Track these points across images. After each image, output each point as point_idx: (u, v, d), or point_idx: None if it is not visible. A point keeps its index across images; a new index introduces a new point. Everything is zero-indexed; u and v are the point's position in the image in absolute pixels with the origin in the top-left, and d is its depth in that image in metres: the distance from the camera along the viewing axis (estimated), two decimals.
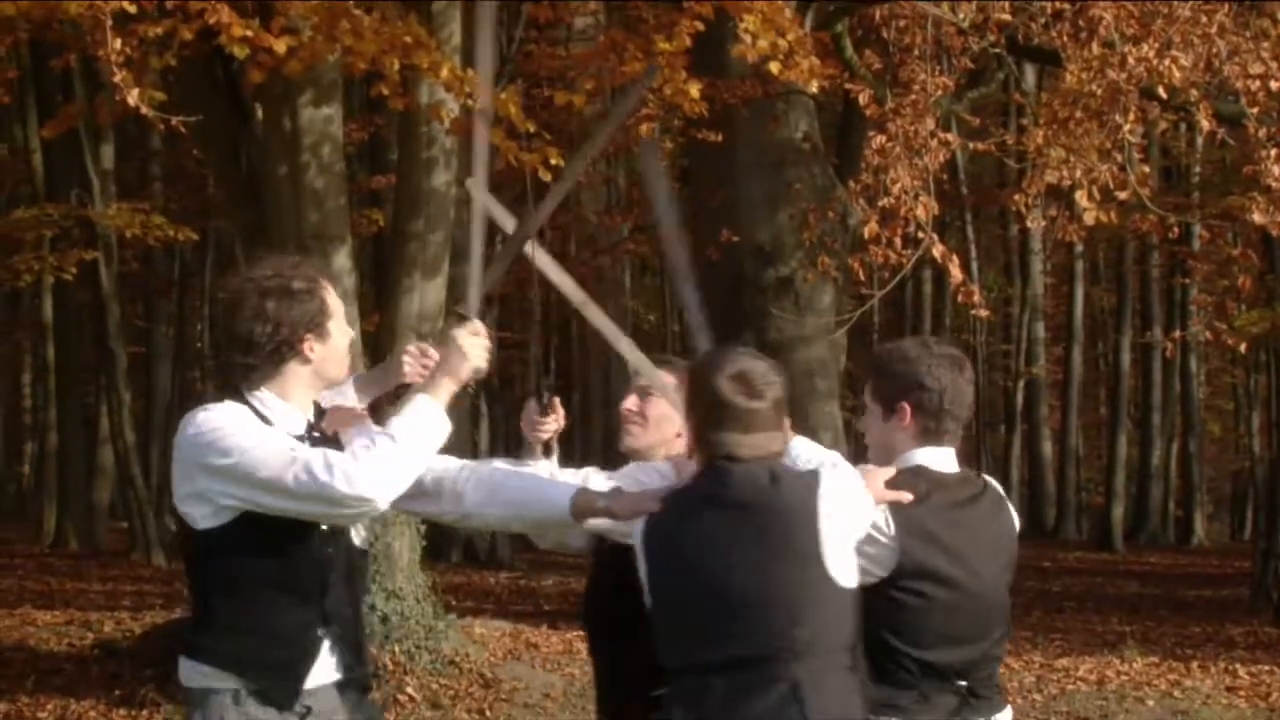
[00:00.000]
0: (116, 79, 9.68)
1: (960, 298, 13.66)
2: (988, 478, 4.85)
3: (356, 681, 4.62)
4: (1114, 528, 32.74)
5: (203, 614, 4.54)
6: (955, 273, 13.34)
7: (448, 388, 4.45)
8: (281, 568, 4.45)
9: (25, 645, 14.85)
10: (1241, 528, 37.73)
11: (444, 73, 10.64)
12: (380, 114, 21.38)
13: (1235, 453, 37.15)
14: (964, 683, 4.57)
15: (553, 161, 11.43)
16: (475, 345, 4.49)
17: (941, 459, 4.66)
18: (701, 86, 11.65)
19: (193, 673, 4.55)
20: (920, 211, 12.85)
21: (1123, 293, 32.00)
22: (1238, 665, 14.86)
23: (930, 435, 4.65)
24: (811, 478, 4.29)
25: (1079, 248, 26.11)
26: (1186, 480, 35.06)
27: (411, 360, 4.91)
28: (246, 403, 4.48)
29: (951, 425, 4.67)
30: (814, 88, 12.26)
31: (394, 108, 12.09)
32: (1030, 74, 22.23)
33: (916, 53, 13.52)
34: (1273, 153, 12.84)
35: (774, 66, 11.66)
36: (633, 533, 4.40)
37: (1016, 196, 14.07)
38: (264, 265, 4.53)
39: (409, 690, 12.06)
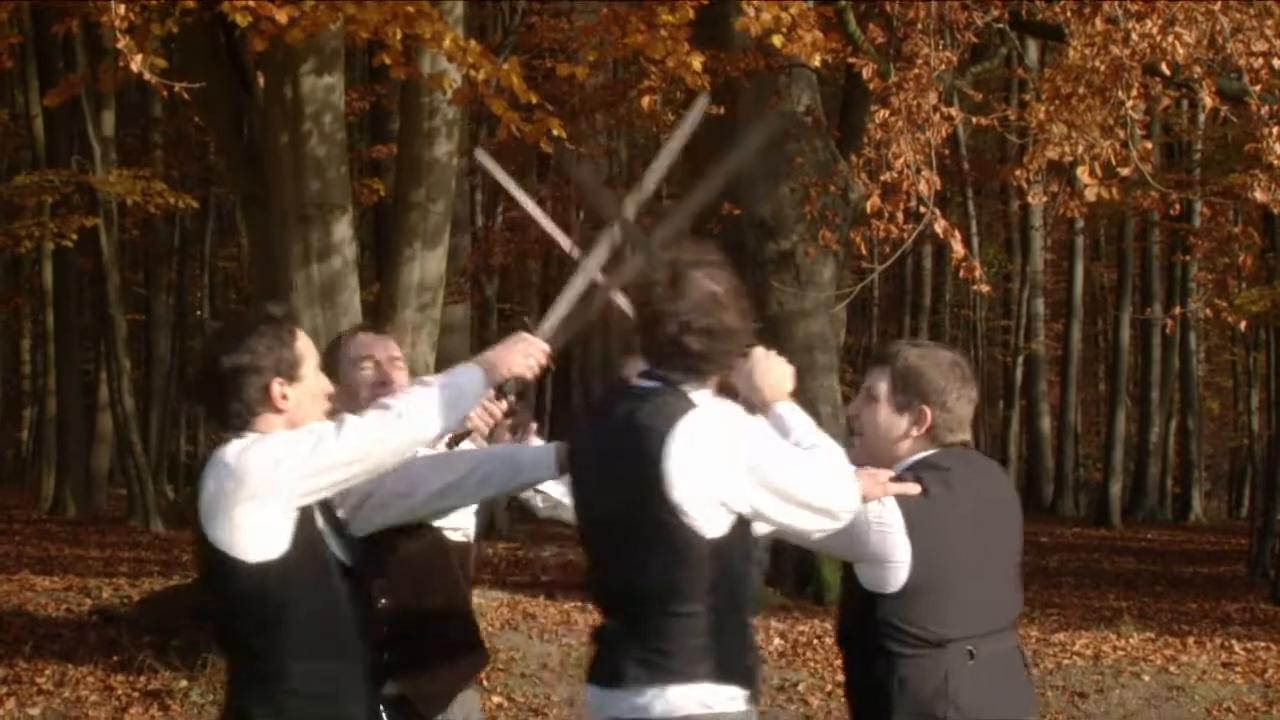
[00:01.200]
0: (119, 45, 9.67)
1: (961, 273, 13.66)
2: (987, 459, 4.93)
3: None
4: (1112, 504, 32.78)
5: (707, 628, 4.43)
6: (956, 248, 13.34)
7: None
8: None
9: (24, 611, 14.89)
10: (1239, 505, 37.79)
11: (446, 43, 10.63)
12: (382, 83, 21.34)
13: (1234, 430, 37.17)
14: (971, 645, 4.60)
15: (555, 133, 11.43)
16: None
17: (947, 457, 4.70)
18: (704, 59, 11.64)
19: (676, 702, 4.40)
20: (922, 186, 12.84)
21: (1123, 269, 31.99)
22: (1234, 641, 14.89)
23: (942, 436, 4.69)
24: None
25: (1080, 224, 26.12)
26: (1184, 457, 35.11)
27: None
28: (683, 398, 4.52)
29: (959, 429, 4.72)
30: (817, 61, 12.26)
31: (396, 77, 12.08)
32: (1033, 49, 22.18)
33: (920, 27, 13.49)
34: (1275, 130, 12.83)
35: (777, 40, 11.65)
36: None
37: (1018, 172, 14.07)
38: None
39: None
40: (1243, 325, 18.74)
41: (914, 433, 4.64)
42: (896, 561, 4.42)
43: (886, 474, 4.50)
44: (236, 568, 4.26)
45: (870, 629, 4.51)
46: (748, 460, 4.14)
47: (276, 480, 4.23)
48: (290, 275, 12.20)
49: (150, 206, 22.11)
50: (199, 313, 33.75)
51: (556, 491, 5.36)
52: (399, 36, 10.72)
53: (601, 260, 4.82)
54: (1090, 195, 12.77)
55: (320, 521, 4.42)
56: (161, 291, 31.56)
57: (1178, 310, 22.16)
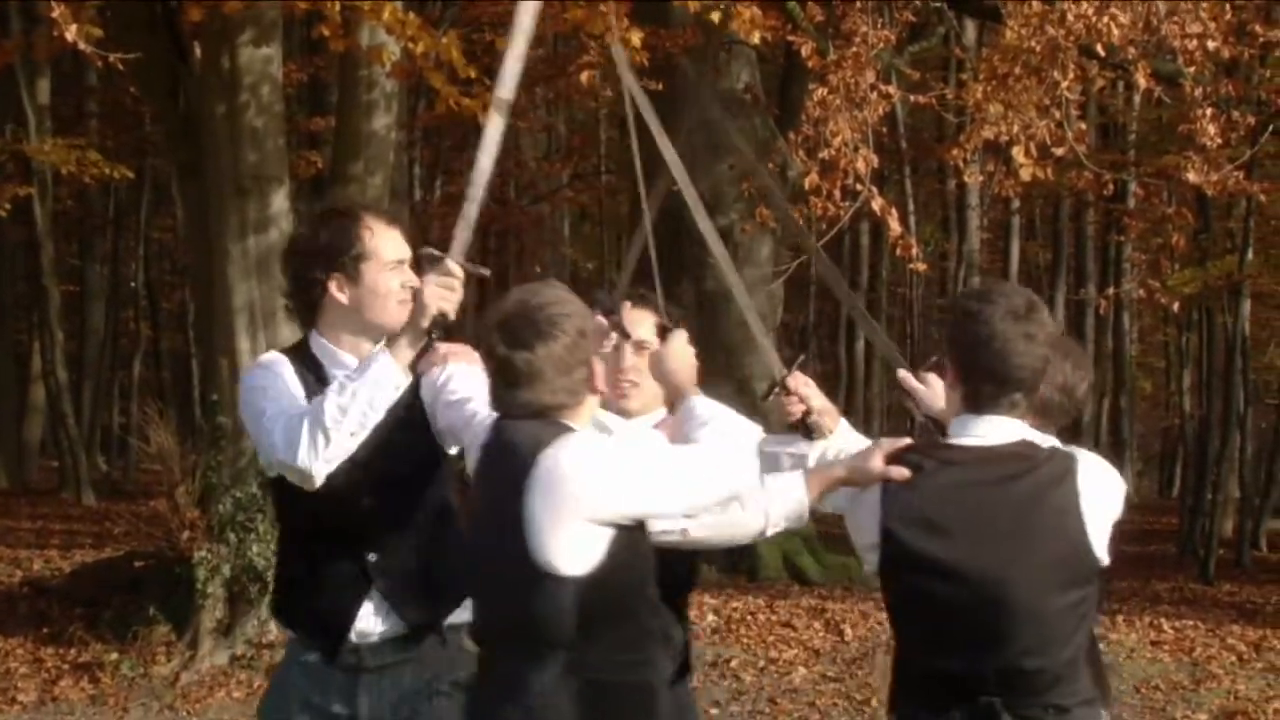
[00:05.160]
0: (54, 14, 9.60)
1: (898, 251, 13.73)
2: (1064, 451, 4.11)
3: (419, 634, 4.46)
4: None
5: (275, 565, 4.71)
6: (893, 226, 13.40)
7: (407, 343, 4.27)
8: (318, 518, 4.38)
9: None
10: (1170, 484, 38.06)
11: (385, 15, 10.60)
12: (320, 55, 21.23)
13: (1165, 410, 37.42)
14: (993, 699, 3.91)
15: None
16: (439, 292, 4.26)
17: (984, 429, 4.01)
18: (643, 35, 11.63)
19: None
20: (860, 164, 12.89)
21: (1058, 249, 32.13)
22: (1163, 620, 15.01)
23: (973, 400, 4.02)
24: (533, 448, 3.85)
25: (1015, 203, 26.19)
26: (1117, 436, 35.32)
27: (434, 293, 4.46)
28: (305, 346, 4.47)
29: (994, 389, 3.98)
30: (756, 39, 12.28)
31: (334, 49, 12.03)
32: (971, 29, 22.23)
33: (858, 5, 13.52)
34: (1208, 112, 12.94)
35: (716, 17, 11.67)
36: None
37: (955, 151, 14.13)
38: (321, 202, 4.49)
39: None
40: (1175, 306, 18.89)
41: (950, 387, 4.14)
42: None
43: (895, 443, 4.13)
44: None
45: None
46: (240, 402, 4.47)
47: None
48: (226, 247, 12.15)
49: (85, 176, 21.90)
50: (133, 284, 33.49)
51: None
52: (338, 8, 10.69)
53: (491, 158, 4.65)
54: (1025, 175, 12.85)
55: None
56: (96, 262, 31.31)
57: (1112, 290, 22.36)
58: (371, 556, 4.39)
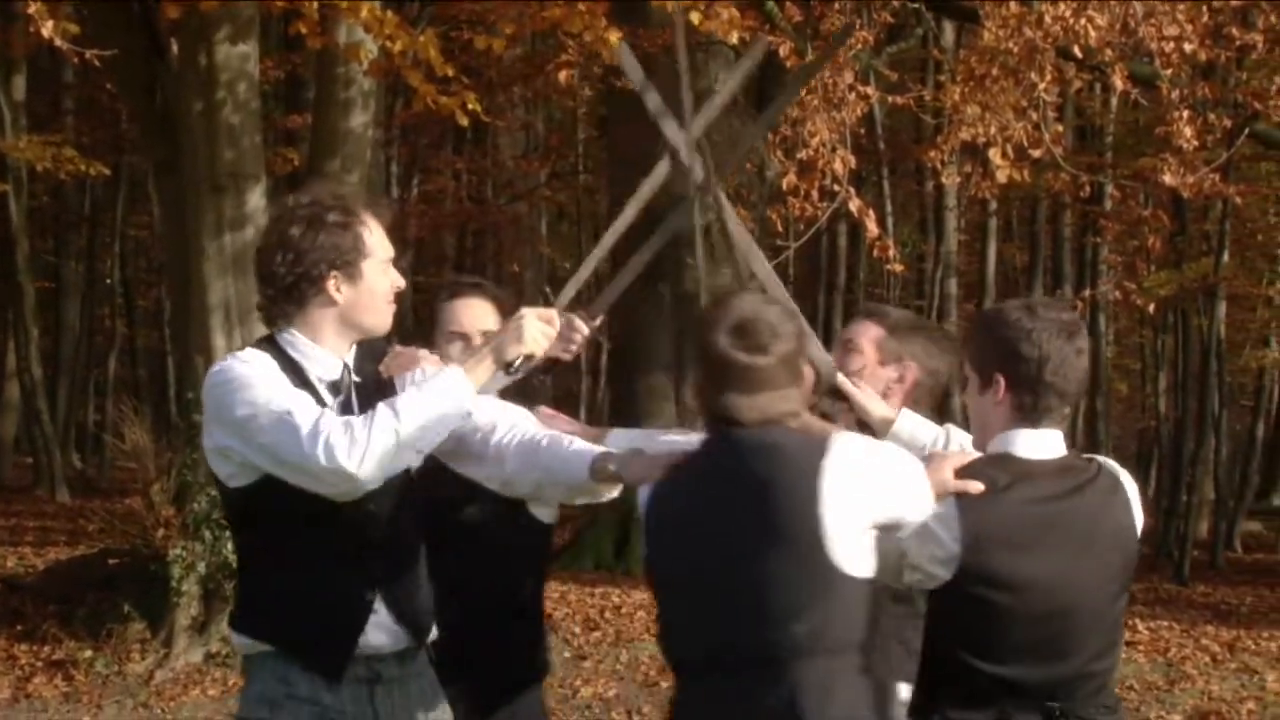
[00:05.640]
0: (31, 10, 9.58)
1: (875, 252, 13.73)
2: (1104, 462, 4.13)
3: (418, 650, 4.34)
4: None
5: (243, 579, 4.35)
6: (871, 227, 13.40)
7: (486, 367, 4.14)
8: (316, 529, 4.11)
9: None
10: (1145, 486, 38.18)
11: (363, 13, 10.59)
12: (298, 53, 21.19)
13: (1141, 412, 37.51)
14: (1056, 704, 3.93)
15: (470, 106, 11.40)
16: (536, 329, 4.17)
17: (1040, 442, 4.01)
18: (621, 35, 11.63)
19: (239, 642, 4.28)
20: (837, 165, 12.89)
21: (1035, 251, 32.16)
22: (1137, 620, 15.04)
23: (1029, 413, 4.00)
24: (818, 447, 3.75)
25: (993, 205, 26.21)
26: (1093, 438, 35.40)
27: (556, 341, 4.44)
28: (277, 345, 4.21)
29: (1055, 403, 4.00)
30: (734, 38, 12.27)
31: (312, 47, 12.02)
32: (949, 30, 22.26)
33: (837, 6, 13.53)
34: (1185, 114, 12.96)
35: (694, 16, 11.66)
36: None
37: (932, 152, 14.15)
38: (305, 193, 4.25)
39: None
40: (1151, 308, 18.91)
41: (995, 402, 4.05)
42: None
43: (962, 457, 4.04)
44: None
45: None
46: (214, 406, 4.14)
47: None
48: (202, 244, 12.13)
49: (61, 173, 21.85)
50: (109, 281, 33.42)
51: None
52: (315, 6, 10.68)
53: (632, 216, 4.60)
54: (1002, 177, 12.86)
55: None
56: (71, 259, 31.23)
57: (1088, 292, 22.38)
58: (378, 568, 4.23)
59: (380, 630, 4.20)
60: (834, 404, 4.62)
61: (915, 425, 4.59)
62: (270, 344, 4.24)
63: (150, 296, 34.75)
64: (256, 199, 12.27)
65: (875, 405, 4.62)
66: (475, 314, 4.89)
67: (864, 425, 4.50)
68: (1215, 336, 23.16)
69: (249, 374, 4.09)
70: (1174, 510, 22.78)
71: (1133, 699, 12.01)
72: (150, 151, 13.68)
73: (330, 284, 4.17)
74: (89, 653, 11.77)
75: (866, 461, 3.77)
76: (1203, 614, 16.47)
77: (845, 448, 3.75)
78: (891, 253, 13.64)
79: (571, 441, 4.34)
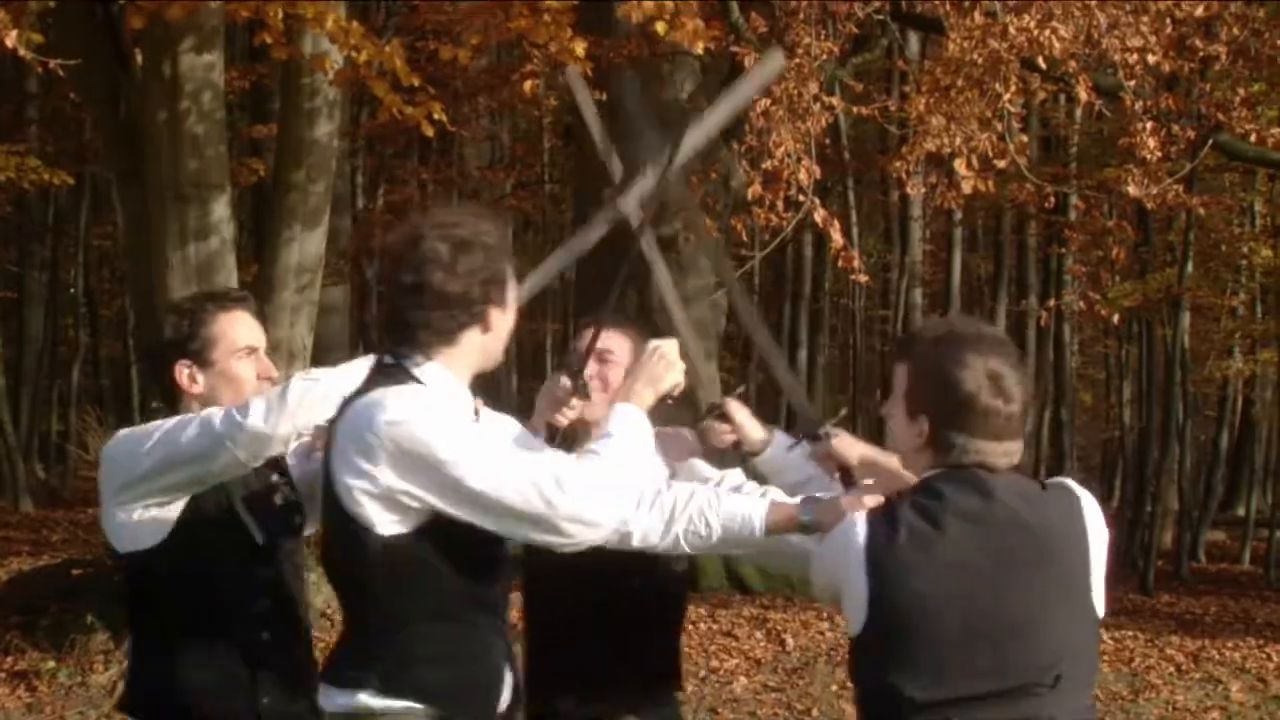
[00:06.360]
0: None
1: (840, 262, 13.78)
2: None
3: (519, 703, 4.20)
4: None
5: (378, 634, 3.92)
6: (836, 237, 13.44)
7: (649, 397, 4.15)
8: (473, 579, 3.95)
9: None
10: (1110, 496, 38.28)
11: (328, 23, 10.57)
12: (263, 63, 21.13)
13: (1106, 422, 37.64)
14: None
15: (436, 116, 11.39)
16: (677, 361, 4.25)
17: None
18: (587, 45, 11.62)
19: (352, 704, 3.92)
20: (802, 175, 12.92)
21: (1000, 261, 32.25)
22: (1102, 630, 15.05)
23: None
24: (1070, 494, 3.84)
25: (958, 215, 26.28)
26: (1057, 448, 35.47)
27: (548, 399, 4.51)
28: (412, 377, 3.91)
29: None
30: (699, 49, 12.27)
31: (277, 57, 11.99)
32: (914, 41, 22.34)
33: (802, 17, 13.56)
34: (1148, 126, 13.03)
35: (660, 27, 11.66)
36: (818, 542, 3.96)
37: (897, 163, 14.20)
38: (446, 213, 4.03)
39: (304, 647, 12.02)
40: (1116, 318, 18.98)
41: (916, 444, 3.89)
42: (857, 599, 3.74)
43: (860, 499, 3.97)
44: (119, 554, 4.31)
45: (854, 684, 3.91)
46: (414, 453, 3.76)
47: (135, 473, 4.21)
48: (167, 254, 12.09)
49: (24, 182, 21.75)
50: (72, 291, 33.28)
51: None
52: (280, 16, 10.64)
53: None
54: (967, 187, 12.91)
55: (240, 504, 4.34)
56: (34, 269, 31.08)
57: (1052, 302, 22.49)
58: (504, 622, 4.13)
59: (505, 688, 4.12)
60: (718, 425, 4.63)
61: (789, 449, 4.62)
62: (401, 375, 3.98)
63: (114, 306, 34.59)
64: (221, 209, 12.23)
65: (755, 428, 4.65)
66: (254, 327, 4.64)
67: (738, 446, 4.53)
68: (1179, 347, 23.24)
69: (442, 412, 3.88)
70: (1138, 520, 22.87)
71: (1098, 709, 12.02)
72: (114, 161, 13.62)
73: (492, 312, 4.02)
74: (52, 663, 11.72)
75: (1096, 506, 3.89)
76: (1167, 624, 16.53)
77: (1086, 493, 3.87)
78: (856, 263, 13.69)
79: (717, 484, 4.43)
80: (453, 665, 3.93)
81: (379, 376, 3.94)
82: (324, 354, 14.61)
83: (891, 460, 4.18)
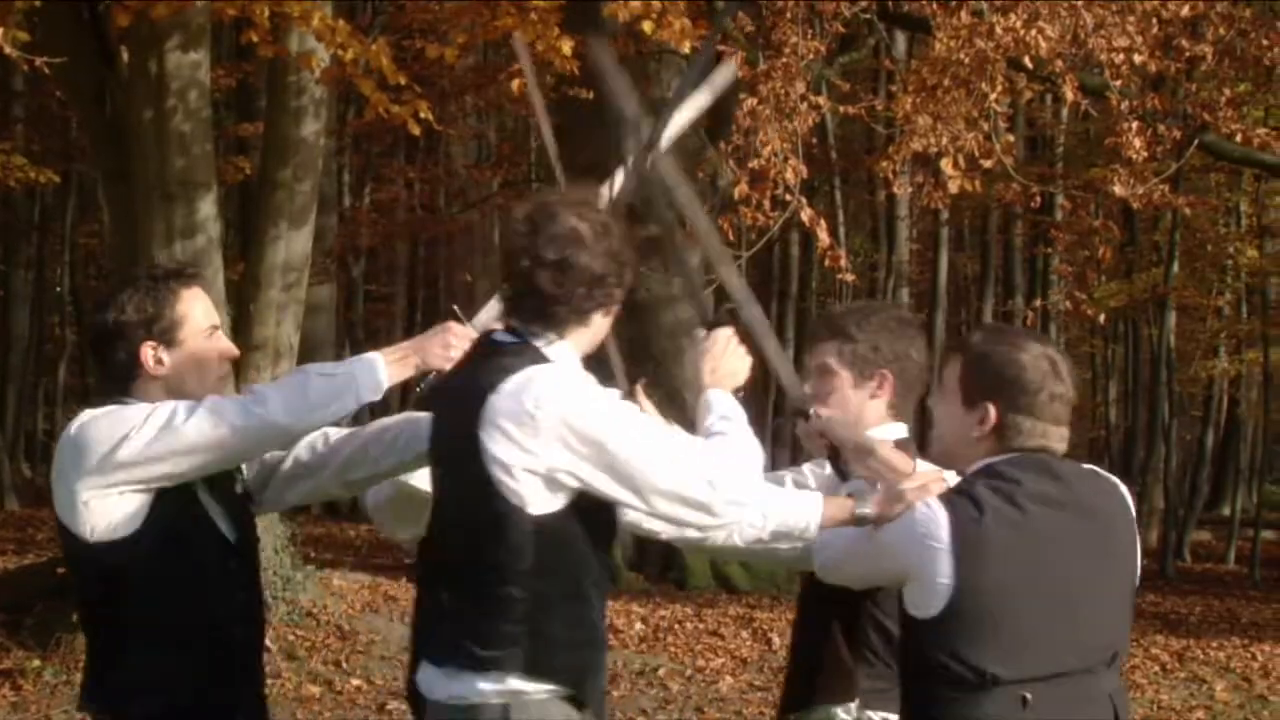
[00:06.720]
0: None
1: (827, 261, 13.78)
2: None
3: None
4: None
5: (520, 614, 3.83)
6: (823, 236, 13.45)
7: (729, 384, 4.18)
8: (600, 559, 3.96)
9: None
10: None
11: (314, 21, 10.57)
12: (249, 61, 21.12)
13: (1091, 421, 37.68)
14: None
15: (423, 114, 11.39)
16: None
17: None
18: (574, 44, 11.62)
19: (490, 688, 3.85)
20: (789, 174, 12.93)
21: (986, 260, 32.29)
22: None
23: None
24: (1110, 480, 4.06)
25: (944, 215, 26.29)
26: None
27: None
28: (543, 356, 3.87)
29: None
30: (686, 48, 12.27)
31: (263, 55, 11.98)
32: (901, 41, 22.35)
33: (789, 16, 13.56)
34: (1134, 126, 13.05)
35: (647, 26, 11.67)
36: (874, 532, 3.98)
37: (884, 162, 14.20)
38: (574, 193, 4.05)
39: (265, 641, 12.02)
40: (1102, 318, 19.02)
41: (976, 433, 3.98)
42: (939, 581, 3.81)
43: (923, 481, 3.97)
44: (81, 546, 4.00)
45: (915, 661, 3.96)
46: (577, 432, 3.75)
47: (116, 459, 3.94)
48: (153, 253, 12.06)
49: (10, 181, 21.72)
50: (58, 289, 33.25)
51: None
52: (266, 14, 10.63)
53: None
54: (953, 187, 12.92)
55: (205, 495, 4.12)
56: (20, 267, 31.04)
57: (1039, 302, 22.51)
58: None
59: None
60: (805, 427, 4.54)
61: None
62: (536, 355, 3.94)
63: None
64: (207, 207, 12.22)
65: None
66: (210, 304, 4.48)
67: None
68: (1165, 346, 23.29)
69: (617, 399, 3.92)
70: None
71: None
72: (100, 159, 13.60)
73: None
74: (37, 662, 11.70)
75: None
76: (1152, 623, 16.55)
77: (1118, 480, 4.11)
78: (843, 262, 13.70)
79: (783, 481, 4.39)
80: (588, 649, 3.94)
81: (508, 354, 3.89)
82: (310, 352, 14.62)
83: (883, 445, 4.19)
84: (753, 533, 3.98)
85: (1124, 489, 4.09)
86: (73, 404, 22.92)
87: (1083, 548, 3.91)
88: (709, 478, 3.84)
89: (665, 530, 4.03)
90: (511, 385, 3.79)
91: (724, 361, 4.22)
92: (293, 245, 12.98)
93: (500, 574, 3.83)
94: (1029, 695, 3.81)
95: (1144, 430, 24.51)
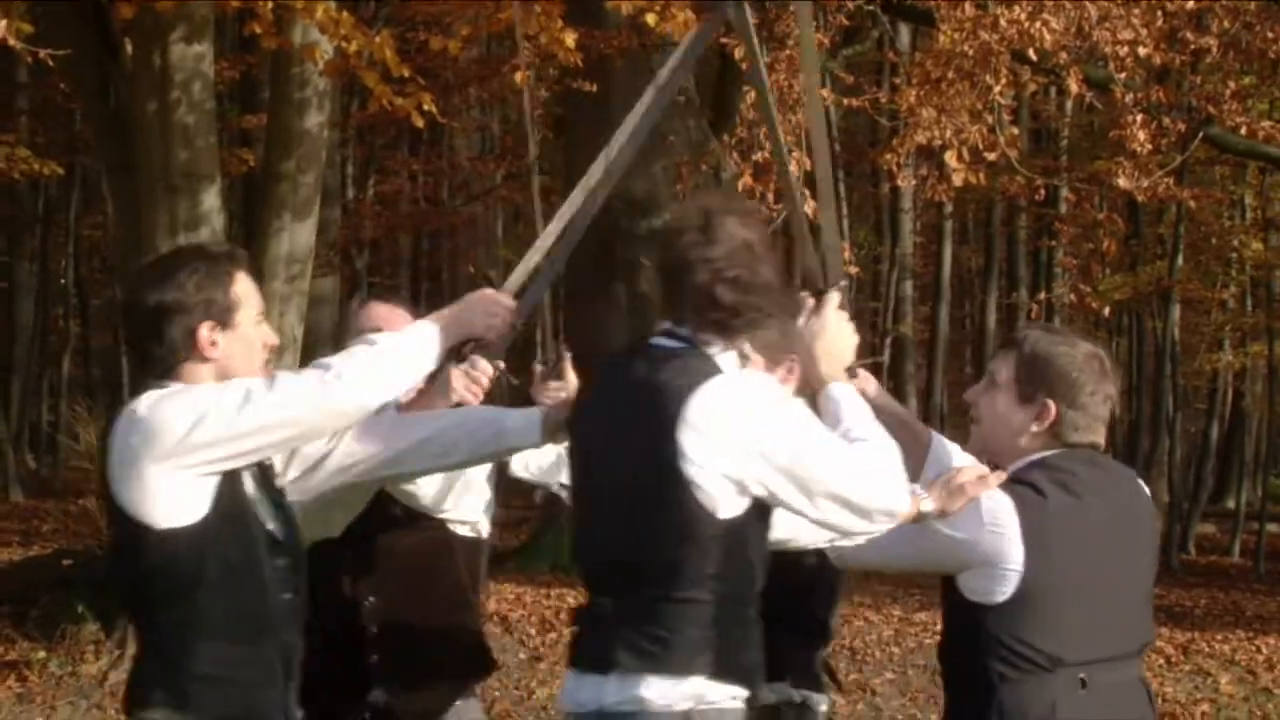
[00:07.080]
0: None
1: None
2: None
3: None
4: None
5: (706, 618, 3.83)
6: None
7: (839, 367, 4.18)
8: (762, 559, 3.98)
9: None
10: None
11: (318, 13, 10.55)
12: (253, 53, 21.11)
13: None
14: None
15: (426, 107, 11.38)
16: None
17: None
18: (577, 36, 11.60)
19: (680, 692, 3.81)
20: (792, 167, 12.91)
21: (990, 253, 32.29)
22: None
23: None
24: (1137, 478, 4.44)
25: (948, 208, 26.28)
26: None
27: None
28: (715, 365, 3.88)
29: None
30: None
31: (267, 47, 11.97)
32: (905, 33, 22.32)
33: (792, 8, 13.55)
34: (1139, 118, 13.04)
35: (650, 18, 11.65)
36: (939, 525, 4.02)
37: (888, 155, 14.19)
38: (733, 199, 4.00)
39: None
40: (1106, 311, 19.02)
41: (1034, 428, 4.18)
42: (1008, 568, 3.99)
43: (978, 474, 4.01)
44: (145, 534, 3.82)
45: (971, 645, 4.08)
46: (770, 439, 3.76)
47: (194, 440, 3.79)
48: (156, 245, 12.05)
49: (14, 173, 21.72)
50: (62, 281, 33.26)
51: (541, 459, 5.04)
52: (270, 6, 10.63)
53: (577, 203, 4.46)
54: (958, 179, 12.91)
55: (251, 487, 3.98)
56: (25, 259, 31.07)
57: (1043, 295, 22.48)
58: None
59: None
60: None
61: None
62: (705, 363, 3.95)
63: (104, 297, 34.57)
64: (211, 199, 12.21)
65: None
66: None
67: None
68: (1170, 339, 23.28)
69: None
70: None
71: None
72: (104, 151, 13.59)
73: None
74: (43, 653, 11.72)
75: None
76: (1157, 616, 16.39)
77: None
78: (847, 254, 13.66)
79: None
80: (757, 651, 3.94)
81: (685, 358, 3.88)
82: (314, 345, 14.61)
83: (902, 409, 4.55)
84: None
85: (1141, 482, 4.39)
86: (77, 395, 22.95)
87: (1126, 538, 4.18)
88: (875, 486, 3.88)
89: (799, 536, 4.29)
90: (708, 389, 3.79)
91: (835, 343, 4.21)
92: (296, 237, 12.97)
93: (687, 576, 3.81)
94: (1086, 677, 4.04)
95: (1149, 423, 24.49)
